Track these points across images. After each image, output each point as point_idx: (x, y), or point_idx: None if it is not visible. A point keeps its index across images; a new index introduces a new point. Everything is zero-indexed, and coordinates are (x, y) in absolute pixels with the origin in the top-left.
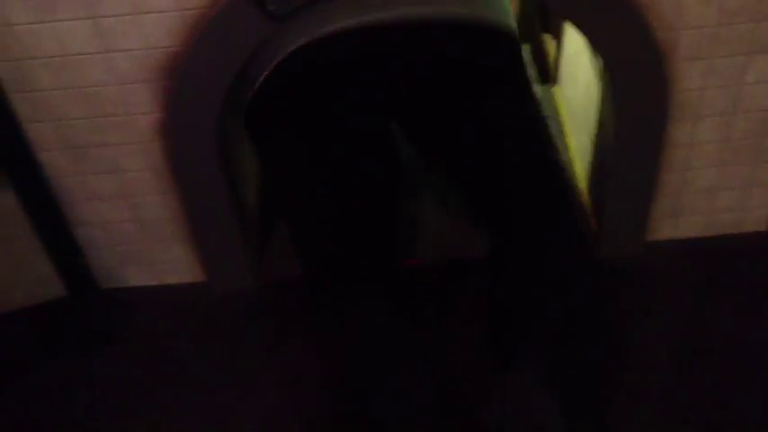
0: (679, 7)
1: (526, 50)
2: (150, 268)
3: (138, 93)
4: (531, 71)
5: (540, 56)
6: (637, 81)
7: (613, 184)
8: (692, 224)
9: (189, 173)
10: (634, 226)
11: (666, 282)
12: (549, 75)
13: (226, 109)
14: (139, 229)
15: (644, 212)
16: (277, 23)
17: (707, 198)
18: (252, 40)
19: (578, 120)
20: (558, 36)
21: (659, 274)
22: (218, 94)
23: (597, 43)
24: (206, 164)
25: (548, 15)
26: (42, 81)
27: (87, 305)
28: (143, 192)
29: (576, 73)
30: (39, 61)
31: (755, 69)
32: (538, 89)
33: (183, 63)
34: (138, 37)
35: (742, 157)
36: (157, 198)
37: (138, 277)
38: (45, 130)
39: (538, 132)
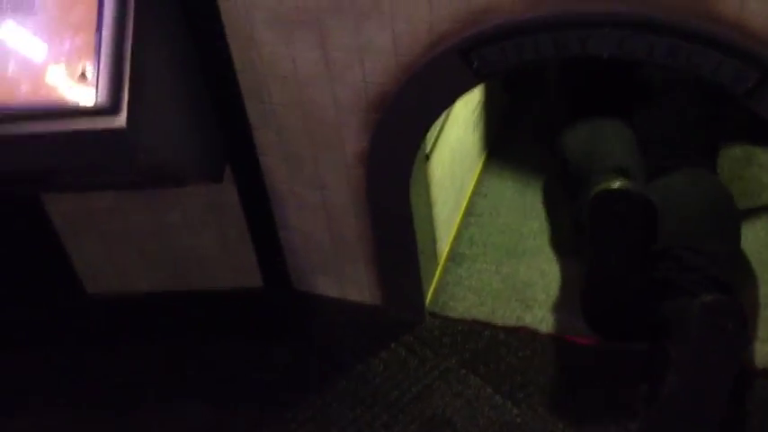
0: None
1: None
2: (337, 280)
3: (351, 120)
4: None
5: None
6: None
7: None
8: None
9: (380, 201)
10: None
11: None
12: None
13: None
14: (332, 242)
15: None
16: (479, 80)
17: None
18: (455, 91)
19: None
20: None
21: None
22: (418, 134)
23: None
24: (398, 196)
25: None
26: (274, 95)
27: (277, 299)
28: (341, 209)
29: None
30: (273, 77)
31: None
32: None
33: (391, 100)
34: (358, 71)
35: None
36: (351, 217)
37: (324, 286)
38: (268, 138)
39: None
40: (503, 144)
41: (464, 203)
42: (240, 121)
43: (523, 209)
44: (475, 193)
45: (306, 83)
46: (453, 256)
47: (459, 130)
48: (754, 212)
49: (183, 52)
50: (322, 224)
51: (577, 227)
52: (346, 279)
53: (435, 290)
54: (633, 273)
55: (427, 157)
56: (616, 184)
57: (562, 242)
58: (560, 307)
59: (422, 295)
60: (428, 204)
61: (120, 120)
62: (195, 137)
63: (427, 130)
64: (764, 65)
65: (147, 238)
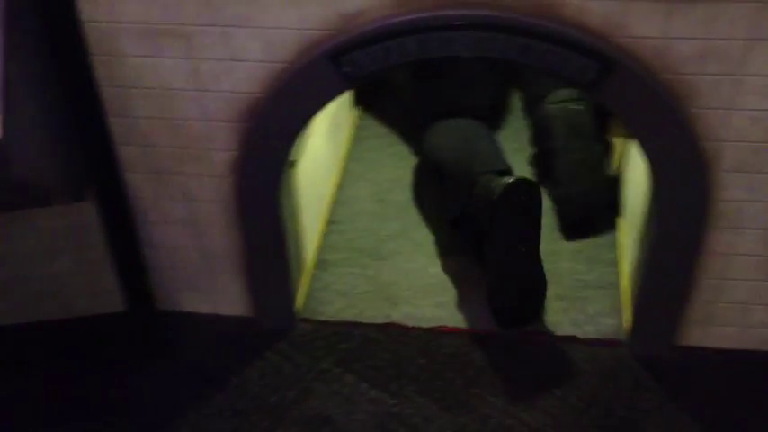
0: (727, 121)
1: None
2: (205, 296)
3: (221, 131)
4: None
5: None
6: (680, 186)
7: (648, 283)
8: (723, 335)
9: (253, 210)
10: (665, 328)
11: (689, 388)
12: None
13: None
14: (201, 256)
15: (676, 316)
16: (350, 85)
17: (741, 310)
18: (326, 98)
19: (629, 217)
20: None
21: (684, 380)
22: (289, 141)
23: (644, 144)
24: (269, 205)
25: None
26: (139, 109)
27: (142, 322)
28: (210, 222)
29: (628, 171)
30: (138, 91)
31: None
32: None
33: (262, 109)
34: (228, 81)
35: None
36: (222, 230)
37: (192, 303)
38: (133, 154)
39: None
40: (355, 152)
41: (324, 212)
42: (103, 137)
43: (380, 214)
44: (333, 201)
45: (173, 95)
46: (319, 262)
47: (318, 138)
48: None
49: (46, 67)
50: (190, 239)
51: (454, 223)
52: (215, 293)
53: (304, 296)
54: (538, 261)
55: (293, 165)
56: (519, 178)
57: (420, 242)
58: (425, 301)
59: (293, 302)
60: (295, 213)
61: None
62: (61, 152)
63: (298, 136)
64: (604, 57)
65: None
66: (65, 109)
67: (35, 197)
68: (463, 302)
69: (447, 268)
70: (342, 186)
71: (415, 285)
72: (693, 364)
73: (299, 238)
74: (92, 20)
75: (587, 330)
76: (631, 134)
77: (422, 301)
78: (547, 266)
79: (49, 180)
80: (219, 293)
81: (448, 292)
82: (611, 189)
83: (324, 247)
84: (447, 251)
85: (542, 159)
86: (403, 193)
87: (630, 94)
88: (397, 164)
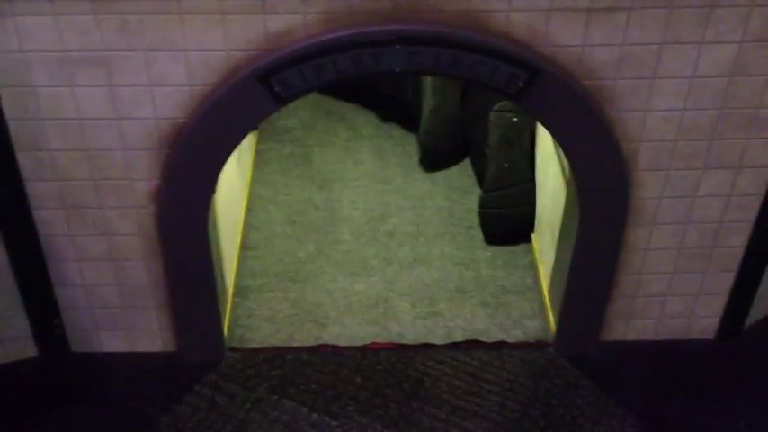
0: (643, 122)
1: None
2: (124, 334)
3: (141, 159)
4: None
5: None
6: (601, 186)
7: (572, 284)
8: (643, 327)
9: (177, 240)
10: (589, 326)
11: (618, 381)
12: None
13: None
14: (120, 293)
15: (599, 313)
16: (281, 104)
17: (658, 303)
18: (255, 118)
19: (543, 222)
20: None
21: (612, 374)
22: (216, 167)
23: (568, 149)
24: (195, 233)
25: None
26: (52, 142)
27: (58, 367)
28: (130, 256)
29: (544, 180)
30: (52, 123)
31: (707, 184)
32: None
33: (186, 134)
34: (148, 107)
35: (693, 265)
36: (142, 263)
37: (111, 342)
38: (46, 189)
39: None
40: (260, 175)
41: (239, 238)
42: (11, 174)
43: (294, 236)
44: (246, 226)
45: (90, 125)
46: (239, 290)
47: (229, 165)
48: None
49: None
50: (108, 275)
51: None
52: (135, 330)
53: (229, 325)
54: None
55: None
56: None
57: (339, 261)
58: (353, 319)
59: (221, 333)
60: (217, 240)
61: None
62: None
63: (225, 160)
64: (530, 66)
65: None
66: None
67: None
68: (391, 316)
69: (372, 284)
70: (252, 210)
71: (340, 304)
72: (619, 359)
73: (221, 266)
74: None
75: (515, 334)
76: (555, 139)
77: (350, 320)
78: (467, 275)
79: None
80: (140, 330)
81: (375, 308)
82: (533, 199)
83: (242, 273)
84: (371, 266)
85: (479, 163)
86: (315, 212)
87: (555, 100)
88: (303, 185)
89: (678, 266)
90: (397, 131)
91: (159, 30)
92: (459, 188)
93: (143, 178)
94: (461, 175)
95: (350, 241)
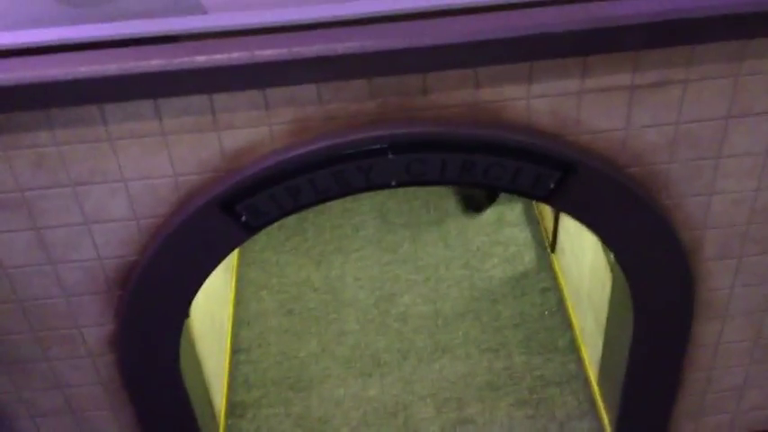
0: (707, 207)
1: (519, 212)
2: None
3: (87, 305)
4: (525, 235)
5: (533, 218)
6: (658, 281)
7: (631, 384)
8: (717, 424)
9: (145, 387)
10: (654, 428)
11: None
12: (545, 238)
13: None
14: None
15: (665, 413)
16: (252, 234)
17: (733, 398)
18: (222, 249)
19: (582, 298)
20: None
21: None
22: (182, 303)
23: (615, 247)
24: (165, 377)
25: None
26: None
27: None
28: (92, 407)
29: (579, 248)
30: None
31: None
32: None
33: (140, 273)
34: (87, 248)
35: None
36: (109, 413)
37: None
38: None
39: None
40: (247, 254)
41: (228, 339)
42: None
43: (292, 329)
44: (236, 322)
45: (18, 274)
46: (232, 407)
47: None
48: None
49: None
50: (69, 428)
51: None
52: None
53: None
54: None
55: (186, 315)
56: None
57: (347, 358)
58: None
59: None
60: (197, 365)
61: None
62: None
63: (193, 295)
64: (563, 161)
65: None
66: None
67: None
68: (413, 428)
69: (387, 386)
70: (241, 302)
71: (352, 418)
72: None
73: (206, 392)
74: None
75: None
76: (600, 237)
77: None
78: (498, 365)
79: None
80: None
81: (394, 419)
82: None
83: (234, 385)
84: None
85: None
86: (314, 296)
87: (595, 197)
88: (299, 262)
89: (755, 357)
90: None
91: (85, 160)
92: (477, 250)
93: (93, 324)
94: (479, 234)
95: (357, 331)
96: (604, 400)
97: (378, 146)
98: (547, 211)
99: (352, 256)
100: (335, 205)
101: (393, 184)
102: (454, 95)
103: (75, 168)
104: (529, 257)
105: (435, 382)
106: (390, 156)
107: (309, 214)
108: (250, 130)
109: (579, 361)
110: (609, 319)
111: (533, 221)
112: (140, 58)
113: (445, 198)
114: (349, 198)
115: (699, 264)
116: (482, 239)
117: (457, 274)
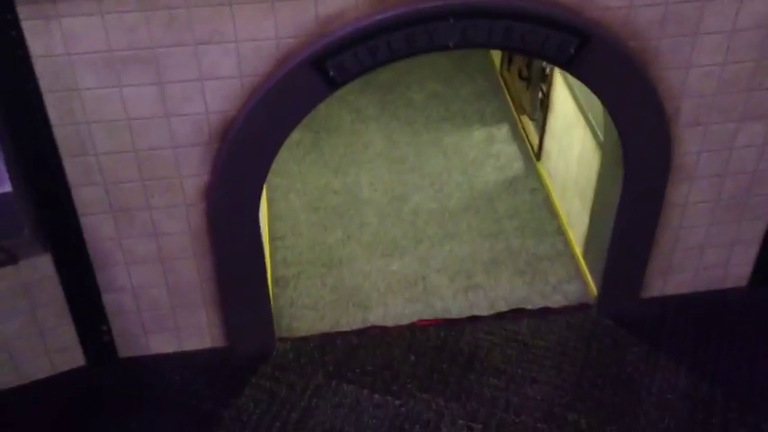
0: (684, 78)
1: (506, 130)
2: (173, 334)
3: (191, 156)
4: (513, 149)
5: (518, 135)
6: (646, 146)
7: (614, 245)
8: (681, 281)
9: (228, 235)
10: (630, 284)
11: (664, 336)
12: (530, 150)
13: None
14: (168, 294)
15: (640, 271)
16: (334, 89)
17: (695, 256)
18: (308, 105)
19: (568, 188)
20: (536, 119)
21: (656, 329)
22: (268, 158)
23: (615, 111)
24: (247, 227)
25: (525, 101)
26: (99, 145)
27: (108, 375)
28: (179, 255)
29: (567, 145)
30: (99, 125)
31: (744, 135)
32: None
33: (237, 127)
34: (198, 102)
35: (728, 216)
36: (191, 262)
37: (159, 344)
38: (93, 194)
39: None
40: (274, 167)
41: (266, 231)
42: (58, 182)
43: (320, 222)
44: (271, 216)
45: (138, 125)
46: (277, 280)
47: None
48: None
49: None
50: (156, 277)
51: None
52: (184, 330)
53: (273, 316)
54: None
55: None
56: None
57: (369, 243)
58: (396, 299)
59: (270, 324)
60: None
61: None
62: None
63: (277, 150)
64: (581, 32)
65: None
66: (17, 157)
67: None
68: (432, 293)
69: (407, 263)
70: (273, 201)
71: (380, 286)
72: (660, 313)
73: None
74: (44, 54)
75: (556, 300)
76: (604, 102)
77: (392, 300)
78: (498, 246)
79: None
80: (189, 329)
81: (415, 287)
82: None
83: (275, 264)
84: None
85: None
86: (335, 197)
87: (604, 65)
88: (319, 171)
89: (714, 218)
90: (401, 111)
91: (208, 22)
92: (473, 161)
93: (193, 175)
94: (473, 149)
95: (376, 223)
96: (590, 268)
97: (441, 13)
98: (530, 128)
99: (365, 167)
100: (346, 126)
101: (451, 45)
102: None
103: (198, 28)
104: (517, 166)
105: (446, 259)
106: (451, 21)
107: (323, 133)
108: None
109: (566, 242)
110: (596, 195)
111: (518, 139)
112: None
113: (441, 121)
114: (357, 120)
115: (675, 130)
116: (476, 153)
117: (457, 179)
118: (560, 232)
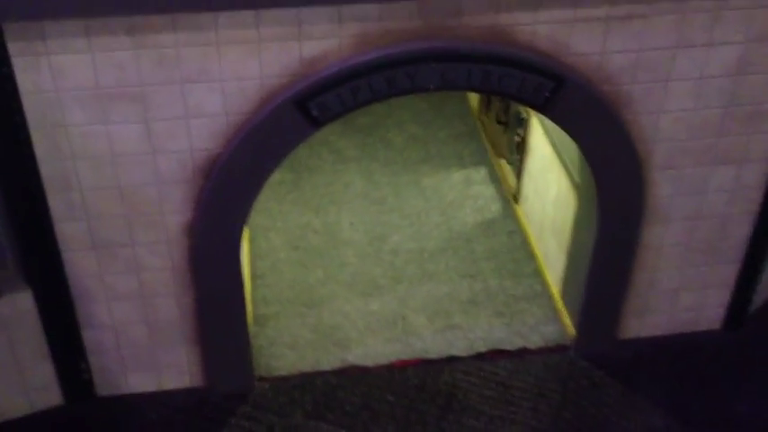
0: (656, 123)
1: (484, 173)
2: (151, 373)
3: (174, 192)
4: (491, 191)
5: (496, 178)
6: (620, 188)
7: (590, 286)
8: (656, 323)
9: (209, 272)
10: (607, 326)
11: (639, 377)
12: (507, 193)
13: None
14: (148, 331)
15: (616, 313)
16: (317, 128)
17: (670, 298)
18: (291, 144)
19: (545, 229)
20: (513, 162)
21: (632, 370)
22: (251, 196)
23: (590, 153)
24: (228, 263)
25: (503, 144)
26: (84, 180)
27: (86, 414)
28: (160, 292)
29: (543, 186)
30: (85, 161)
31: (715, 178)
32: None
33: (221, 164)
34: (183, 139)
35: (701, 259)
36: (172, 299)
37: (138, 383)
38: (76, 230)
39: None
40: (255, 205)
41: (246, 267)
42: (40, 218)
43: (300, 261)
44: (252, 255)
45: (123, 160)
46: (256, 318)
47: None
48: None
49: None
50: (137, 313)
51: None
52: (163, 368)
53: (253, 355)
54: None
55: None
56: None
57: (349, 283)
58: (375, 339)
59: (250, 363)
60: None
61: None
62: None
63: (260, 189)
64: (555, 75)
65: None
66: None
67: None
68: (411, 333)
69: (386, 302)
70: (254, 239)
71: (359, 325)
72: (636, 355)
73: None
74: (33, 90)
75: (534, 341)
76: (579, 144)
77: (372, 340)
78: (477, 286)
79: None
80: (167, 368)
81: (394, 326)
82: None
83: (256, 302)
84: (382, 286)
85: None
86: (316, 237)
87: (578, 107)
88: (300, 211)
89: (688, 261)
90: (381, 152)
91: (196, 61)
92: (452, 203)
93: (176, 211)
94: (451, 191)
95: (356, 263)
96: (567, 309)
97: (423, 56)
98: (507, 171)
99: (345, 207)
100: (326, 166)
101: (431, 87)
102: (480, 19)
103: (186, 67)
104: (495, 207)
105: (425, 299)
106: (432, 65)
107: (304, 173)
108: (324, 41)
109: (543, 283)
110: (572, 235)
111: (496, 181)
112: None
113: (420, 163)
114: (338, 160)
115: (648, 173)
116: (454, 195)
117: (436, 219)
118: (538, 273)
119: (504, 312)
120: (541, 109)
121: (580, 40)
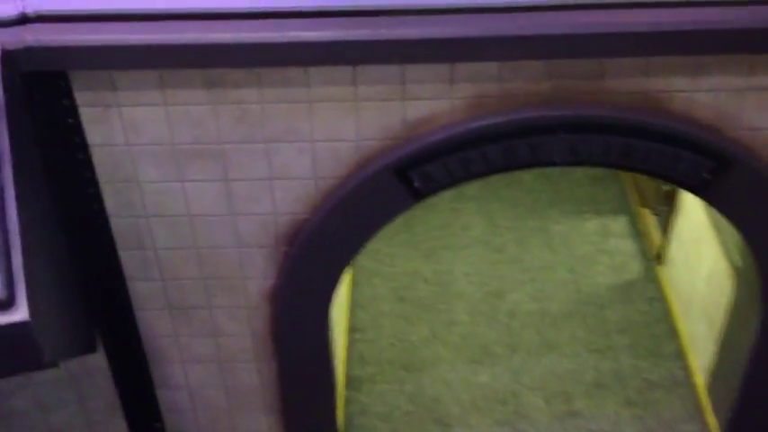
0: None
1: (623, 223)
2: None
3: (256, 257)
4: (631, 246)
5: (637, 231)
6: None
7: (746, 385)
8: None
9: (293, 342)
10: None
11: None
12: (649, 250)
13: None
14: (225, 396)
15: None
16: (418, 200)
17: None
18: (388, 215)
19: (694, 307)
20: (660, 213)
21: None
22: (340, 267)
23: (754, 240)
24: (314, 334)
25: (648, 191)
26: (158, 239)
27: None
28: (239, 357)
29: (695, 258)
30: (159, 219)
31: None
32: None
33: (309, 231)
34: (267, 202)
35: None
36: (252, 365)
37: None
38: (149, 290)
39: None
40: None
41: (345, 317)
42: (112, 274)
43: (404, 315)
44: (353, 303)
45: (201, 221)
46: (349, 380)
47: None
48: None
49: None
50: (214, 377)
51: None
52: None
53: (342, 424)
54: None
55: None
56: None
57: (457, 345)
58: (480, 419)
59: None
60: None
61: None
62: (68, 306)
63: (351, 259)
64: (718, 154)
65: None
66: (69, 253)
67: (41, 364)
68: (523, 416)
69: (497, 374)
70: (357, 285)
71: (463, 400)
72: None
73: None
74: (103, 143)
75: None
76: (744, 235)
77: (477, 419)
78: (605, 365)
79: (60, 342)
80: None
81: (504, 406)
82: None
83: (351, 360)
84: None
85: None
86: (424, 287)
87: (745, 192)
88: (409, 255)
89: None
90: (505, 191)
91: (283, 119)
92: (583, 257)
93: (257, 277)
94: (584, 243)
95: (467, 322)
96: (713, 405)
97: (550, 125)
98: (652, 224)
99: (460, 253)
100: (443, 204)
101: (558, 161)
102: (627, 83)
103: (271, 125)
104: (635, 268)
105: (544, 375)
106: (561, 135)
107: (417, 211)
108: (432, 101)
109: (686, 368)
110: (728, 325)
111: (638, 234)
112: (347, 27)
113: (549, 206)
114: (456, 198)
115: None
116: (586, 248)
117: (563, 277)
118: (680, 356)
119: (635, 401)
120: (697, 191)
121: (756, 112)
